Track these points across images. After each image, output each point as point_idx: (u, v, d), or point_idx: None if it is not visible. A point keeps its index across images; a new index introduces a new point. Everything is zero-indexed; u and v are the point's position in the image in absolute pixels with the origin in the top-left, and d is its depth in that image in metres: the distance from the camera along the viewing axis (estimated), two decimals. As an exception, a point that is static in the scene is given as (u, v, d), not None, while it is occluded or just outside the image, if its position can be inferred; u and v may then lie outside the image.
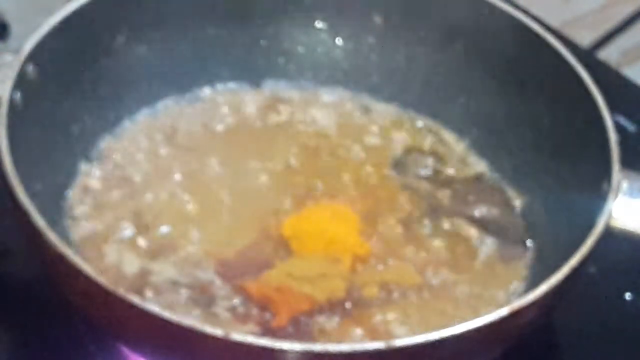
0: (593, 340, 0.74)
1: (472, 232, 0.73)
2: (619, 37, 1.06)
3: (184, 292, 0.67)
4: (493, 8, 0.77)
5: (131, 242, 0.70)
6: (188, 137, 0.78)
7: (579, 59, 0.73)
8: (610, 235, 0.65)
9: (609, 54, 1.03)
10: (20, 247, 0.70)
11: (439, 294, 0.70)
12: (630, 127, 0.88)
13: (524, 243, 0.73)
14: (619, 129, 0.69)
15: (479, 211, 0.75)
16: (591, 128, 0.70)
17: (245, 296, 0.67)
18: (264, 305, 0.67)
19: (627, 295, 0.77)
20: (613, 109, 0.70)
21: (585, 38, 1.02)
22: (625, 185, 0.66)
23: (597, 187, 0.67)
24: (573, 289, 0.63)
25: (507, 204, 0.76)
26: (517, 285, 0.71)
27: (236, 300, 0.67)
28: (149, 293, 0.66)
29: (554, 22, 0.93)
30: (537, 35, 0.75)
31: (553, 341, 0.74)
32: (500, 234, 0.73)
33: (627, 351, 0.74)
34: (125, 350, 0.67)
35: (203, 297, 0.67)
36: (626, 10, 1.07)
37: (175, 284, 0.67)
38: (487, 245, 0.73)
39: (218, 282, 0.68)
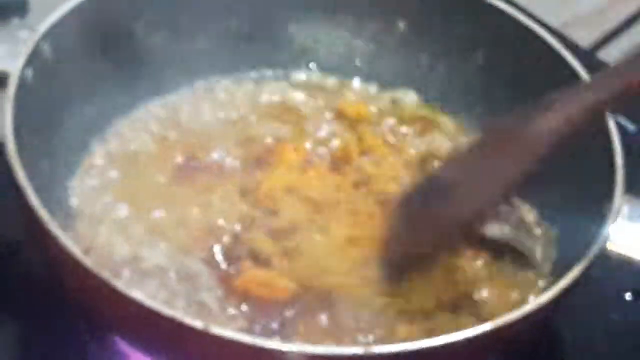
0: (593, 340, 0.74)
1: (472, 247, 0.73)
2: (619, 37, 1.06)
3: (172, 280, 0.67)
4: (494, 9, 0.77)
5: (125, 225, 0.70)
6: (198, 124, 0.77)
7: (579, 59, 0.73)
8: (607, 259, 0.65)
9: (609, 54, 1.03)
10: (20, 243, 0.70)
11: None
12: (630, 127, 0.88)
13: (526, 257, 0.73)
14: (619, 129, 0.69)
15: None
16: (594, 133, 0.69)
17: (228, 288, 0.67)
18: (246, 297, 0.66)
19: (627, 295, 0.77)
20: (613, 109, 0.70)
21: (585, 38, 1.02)
22: (625, 209, 0.66)
23: (598, 209, 0.66)
24: (565, 302, 0.63)
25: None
26: (517, 295, 0.71)
27: (220, 292, 0.66)
28: (136, 277, 0.66)
29: (554, 22, 0.93)
30: (537, 35, 0.75)
31: (553, 341, 0.74)
32: (501, 248, 0.73)
33: (627, 351, 0.74)
34: (125, 348, 0.67)
35: (190, 286, 0.67)
36: (626, 11, 1.07)
37: (163, 271, 0.67)
38: (489, 258, 0.72)
39: (205, 272, 0.67)
